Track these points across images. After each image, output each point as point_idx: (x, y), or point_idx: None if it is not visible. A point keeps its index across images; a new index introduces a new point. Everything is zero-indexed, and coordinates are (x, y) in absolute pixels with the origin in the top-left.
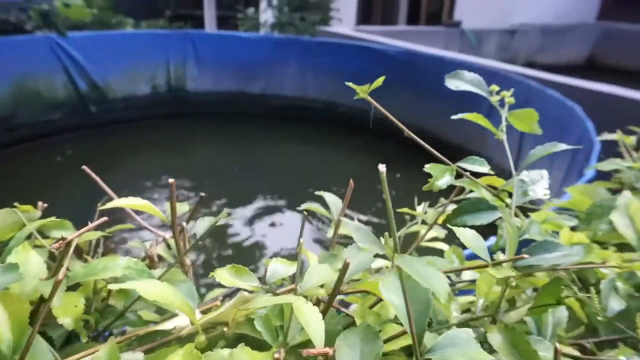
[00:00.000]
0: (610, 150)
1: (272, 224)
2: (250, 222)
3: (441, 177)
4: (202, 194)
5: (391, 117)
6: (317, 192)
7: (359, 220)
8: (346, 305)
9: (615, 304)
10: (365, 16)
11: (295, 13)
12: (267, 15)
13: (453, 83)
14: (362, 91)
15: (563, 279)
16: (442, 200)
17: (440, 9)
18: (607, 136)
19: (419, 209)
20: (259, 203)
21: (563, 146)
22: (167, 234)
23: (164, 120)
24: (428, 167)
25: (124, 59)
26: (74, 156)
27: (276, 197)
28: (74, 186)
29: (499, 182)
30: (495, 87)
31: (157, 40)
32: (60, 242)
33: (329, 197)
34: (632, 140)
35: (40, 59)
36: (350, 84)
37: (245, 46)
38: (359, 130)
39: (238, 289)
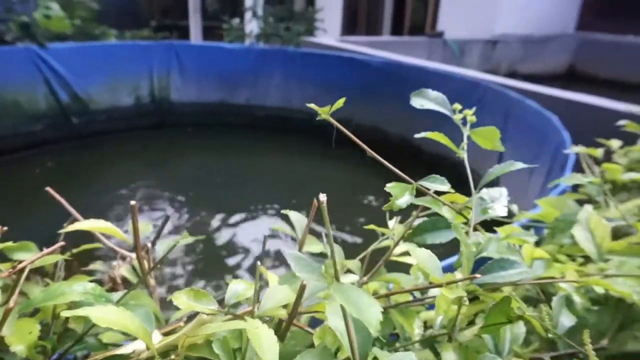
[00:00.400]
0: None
1: (256, 236)
2: (234, 233)
3: (401, 196)
4: (168, 214)
5: (352, 136)
6: (282, 211)
7: (335, 235)
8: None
9: (566, 320)
10: (350, 26)
11: (281, 23)
12: (252, 26)
13: (418, 102)
14: (324, 112)
15: (512, 298)
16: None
17: (424, 19)
18: (575, 149)
19: (391, 223)
20: (243, 214)
21: (520, 165)
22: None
23: (148, 131)
24: (389, 187)
25: (106, 70)
26: (55, 169)
27: (260, 208)
28: (51, 199)
29: (461, 199)
30: (457, 106)
31: (140, 51)
32: (14, 268)
33: (293, 215)
34: (599, 152)
35: (21, 71)
36: (311, 105)
37: (230, 57)
38: (344, 141)
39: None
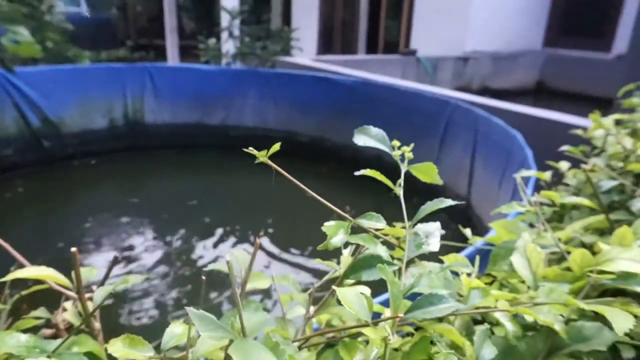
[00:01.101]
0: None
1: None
2: (211, 255)
3: (335, 234)
4: (116, 255)
5: (292, 179)
6: (229, 250)
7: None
8: None
9: (487, 353)
10: (326, 45)
11: (258, 42)
12: (228, 46)
13: (360, 139)
14: (261, 156)
15: (430, 336)
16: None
17: (398, 37)
18: (524, 173)
19: (346, 252)
20: (218, 236)
21: (448, 202)
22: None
23: (122, 153)
24: (325, 227)
25: (78, 93)
26: (25, 193)
27: (237, 230)
28: (22, 224)
29: (400, 232)
30: (396, 143)
31: (113, 73)
32: None
33: (237, 253)
34: (547, 175)
35: None
36: (250, 149)
37: (204, 78)
38: (319, 159)
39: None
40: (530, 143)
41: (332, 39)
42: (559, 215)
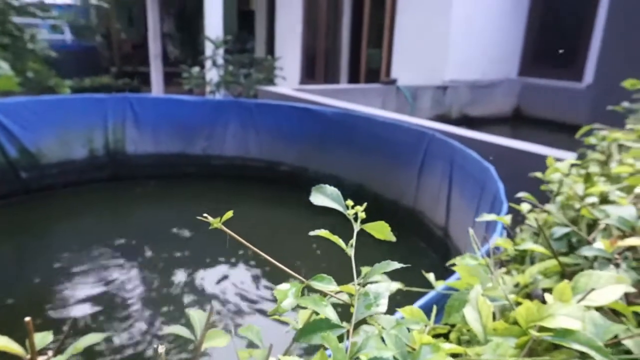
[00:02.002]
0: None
1: (214, 289)
2: (190, 288)
3: (284, 298)
4: (65, 327)
5: (244, 242)
6: (187, 310)
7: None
8: None
9: None
10: (309, 73)
11: (242, 69)
12: (212, 74)
13: (318, 198)
14: (215, 222)
15: None
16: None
17: (379, 65)
18: (486, 217)
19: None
20: (201, 267)
21: (395, 264)
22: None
23: (102, 184)
24: (276, 292)
25: (58, 123)
26: (2, 225)
27: (217, 261)
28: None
29: (351, 290)
30: (350, 202)
31: (94, 103)
32: None
33: (194, 314)
34: (508, 219)
35: None
36: (205, 216)
37: (186, 108)
38: (301, 188)
39: None
40: (503, 172)
41: (315, 67)
42: (521, 257)
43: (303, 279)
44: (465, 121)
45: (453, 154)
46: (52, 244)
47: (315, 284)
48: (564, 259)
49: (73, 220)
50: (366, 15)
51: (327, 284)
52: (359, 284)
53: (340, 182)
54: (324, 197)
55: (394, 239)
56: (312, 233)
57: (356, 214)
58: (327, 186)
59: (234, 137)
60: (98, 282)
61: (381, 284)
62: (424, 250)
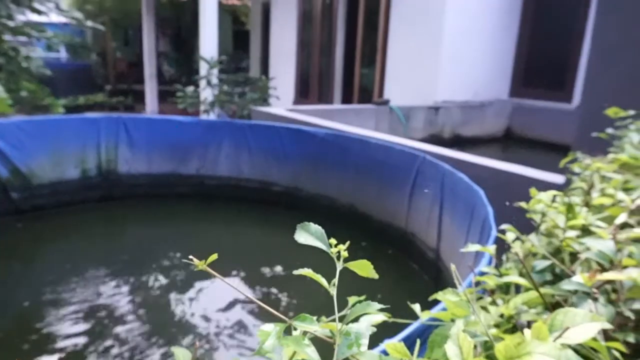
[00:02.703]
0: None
1: (207, 312)
2: (185, 311)
3: (266, 338)
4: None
5: (226, 281)
6: (172, 348)
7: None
8: None
9: None
10: (302, 93)
11: (236, 88)
12: (206, 93)
13: (302, 237)
14: (201, 265)
15: None
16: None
17: (372, 85)
18: (471, 248)
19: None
20: (195, 288)
21: (376, 304)
22: None
23: (95, 204)
24: (259, 332)
25: (50, 143)
26: None
27: (209, 286)
28: None
29: (333, 327)
30: (333, 241)
31: (86, 124)
32: None
33: (178, 352)
34: (492, 250)
35: None
36: (191, 258)
37: (179, 129)
38: (294, 208)
39: None
40: (494, 194)
41: (309, 86)
42: (507, 286)
43: (286, 319)
44: (458, 141)
45: (444, 176)
46: (42, 266)
47: (298, 324)
48: (548, 290)
49: (64, 242)
50: (359, 36)
51: (309, 324)
52: (340, 322)
53: (333, 202)
54: (308, 235)
55: (376, 276)
56: (296, 272)
57: (339, 252)
58: (312, 224)
59: (227, 158)
60: (88, 308)
61: (362, 323)
62: (416, 272)
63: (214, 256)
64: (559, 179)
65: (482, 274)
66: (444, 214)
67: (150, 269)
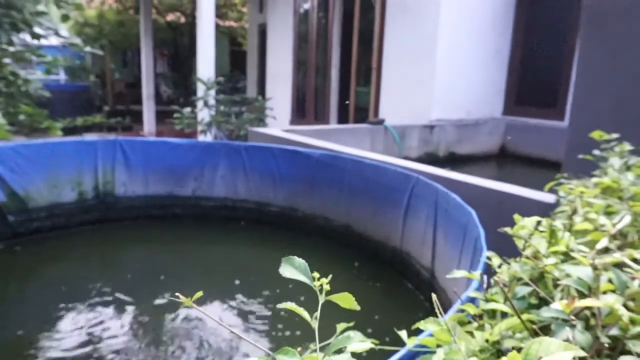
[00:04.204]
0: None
1: (199, 339)
2: (181, 334)
3: None
4: None
5: (212, 317)
6: None
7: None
8: None
9: None
10: (299, 113)
11: (234, 107)
12: (203, 114)
13: (286, 271)
14: (187, 302)
15: None
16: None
17: (368, 104)
18: (456, 274)
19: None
20: (188, 311)
21: (359, 336)
22: None
23: (91, 227)
24: None
25: (47, 167)
26: None
27: (204, 308)
28: None
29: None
30: (316, 274)
31: (83, 147)
32: None
33: None
34: (477, 275)
35: None
36: (177, 295)
37: (175, 151)
38: (290, 228)
39: None
40: (487, 213)
41: (305, 106)
42: (493, 311)
43: (269, 352)
44: (453, 159)
45: (437, 197)
46: (37, 291)
47: (280, 357)
48: (530, 316)
49: (60, 265)
50: (354, 56)
51: (291, 357)
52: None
53: (329, 222)
54: (292, 269)
55: (358, 307)
56: (280, 306)
57: (321, 285)
58: (295, 258)
59: (224, 179)
60: (83, 333)
61: (342, 356)
62: (411, 291)
63: (199, 294)
64: (550, 198)
65: (470, 298)
66: (438, 234)
67: (147, 292)
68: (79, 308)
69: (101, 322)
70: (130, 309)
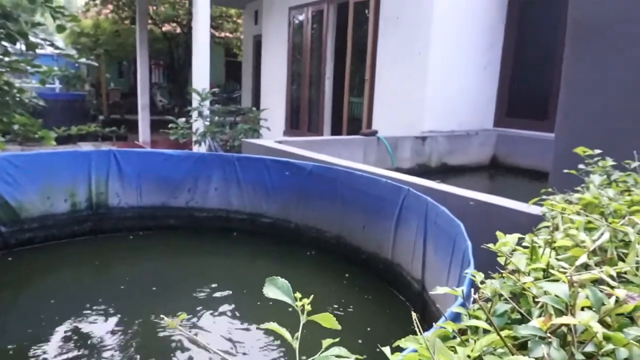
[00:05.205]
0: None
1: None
2: (174, 347)
3: None
4: None
5: (198, 340)
6: None
7: None
8: None
9: None
10: (293, 124)
11: (228, 117)
12: (198, 125)
13: (271, 291)
14: (172, 324)
15: None
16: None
17: (361, 114)
18: (439, 290)
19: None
20: (186, 322)
21: (344, 351)
22: None
23: (84, 238)
24: None
25: (40, 177)
26: None
27: (201, 314)
28: None
29: None
30: (298, 294)
31: (77, 158)
32: None
33: None
34: (460, 291)
35: None
36: (162, 317)
37: (169, 162)
38: (282, 240)
39: None
40: (477, 225)
41: (299, 117)
42: (475, 326)
43: None
44: (445, 170)
45: (427, 209)
46: (29, 302)
47: None
48: (510, 332)
49: (52, 276)
50: (348, 67)
51: None
52: None
53: (321, 233)
54: (275, 289)
55: (338, 327)
56: (262, 326)
57: (303, 306)
58: (279, 279)
59: (217, 190)
60: (75, 345)
61: None
62: (402, 303)
63: (183, 315)
64: (538, 210)
65: (454, 314)
66: (428, 246)
67: (140, 304)
68: (71, 319)
69: (93, 334)
70: (122, 320)
